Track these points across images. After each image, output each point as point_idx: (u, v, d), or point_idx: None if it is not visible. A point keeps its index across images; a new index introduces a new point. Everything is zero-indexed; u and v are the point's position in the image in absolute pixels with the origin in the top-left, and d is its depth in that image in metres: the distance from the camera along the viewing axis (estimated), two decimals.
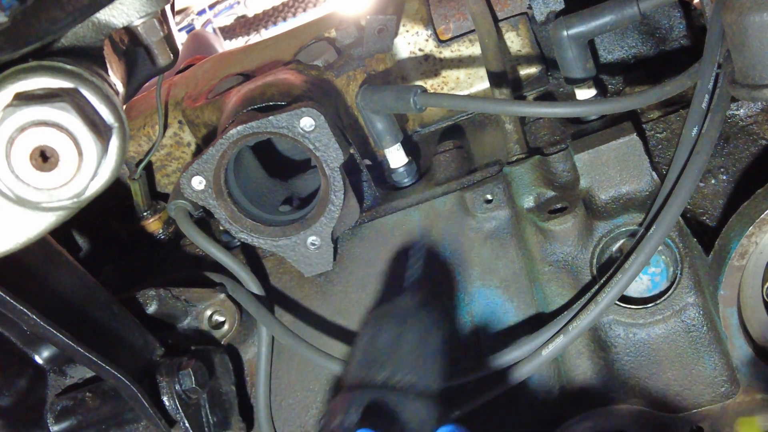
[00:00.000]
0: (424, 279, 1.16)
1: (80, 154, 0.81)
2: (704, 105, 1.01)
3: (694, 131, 1.02)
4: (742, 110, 1.16)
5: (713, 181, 1.16)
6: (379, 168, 1.35)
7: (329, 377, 1.24)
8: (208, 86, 1.37)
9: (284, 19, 4.17)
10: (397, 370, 0.94)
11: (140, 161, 1.38)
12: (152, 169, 1.43)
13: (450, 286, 1.23)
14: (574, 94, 1.23)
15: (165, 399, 1.11)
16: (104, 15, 0.89)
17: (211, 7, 4.49)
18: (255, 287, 1.24)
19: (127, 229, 1.42)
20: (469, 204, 1.21)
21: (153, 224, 1.40)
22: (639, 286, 1.14)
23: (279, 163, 1.37)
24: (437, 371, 0.98)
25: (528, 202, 1.17)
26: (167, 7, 1.05)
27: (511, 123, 1.23)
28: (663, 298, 1.12)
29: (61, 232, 1.12)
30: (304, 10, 4.14)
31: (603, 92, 1.26)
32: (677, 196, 1.01)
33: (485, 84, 1.31)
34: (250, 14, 4.42)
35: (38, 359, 1.13)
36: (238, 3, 4.55)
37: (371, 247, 1.26)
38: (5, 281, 0.93)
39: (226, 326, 1.24)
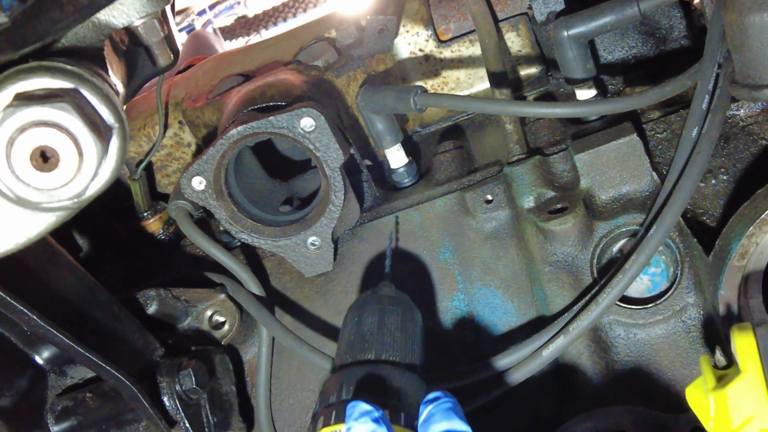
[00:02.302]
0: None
1: (80, 154, 0.81)
2: (704, 105, 1.01)
3: (695, 131, 1.02)
4: (742, 110, 1.16)
5: (713, 182, 1.16)
6: (380, 168, 1.35)
7: None
8: (208, 86, 1.37)
9: (284, 20, 4.17)
10: (384, 349, 0.99)
11: (140, 161, 1.38)
12: (152, 169, 1.43)
13: (450, 286, 1.23)
14: (574, 95, 1.23)
15: (165, 399, 1.11)
16: (104, 15, 0.89)
17: (212, 7, 4.49)
18: (255, 288, 1.24)
19: (128, 229, 1.42)
20: (470, 204, 1.21)
21: (153, 224, 1.40)
22: (639, 287, 1.14)
23: (279, 163, 1.37)
24: (418, 351, 1.03)
25: (528, 202, 1.17)
26: (167, 8, 1.05)
27: (512, 123, 1.23)
28: (663, 299, 1.12)
29: (61, 233, 1.12)
30: (305, 11, 4.15)
31: (603, 92, 1.26)
32: (677, 196, 1.01)
33: (485, 84, 1.31)
34: (251, 14, 4.43)
35: (38, 359, 1.13)
36: (239, 3, 4.55)
37: (371, 247, 1.26)
38: (5, 281, 0.93)
39: (226, 326, 1.24)
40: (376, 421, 0.81)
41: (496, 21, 1.28)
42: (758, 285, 1.05)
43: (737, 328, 0.89)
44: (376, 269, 1.25)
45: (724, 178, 1.15)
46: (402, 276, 1.25)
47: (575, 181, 1.17)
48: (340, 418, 0.87)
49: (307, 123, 1.12)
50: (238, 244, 1.31)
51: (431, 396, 0.87)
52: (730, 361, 0.90)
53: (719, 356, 0.92)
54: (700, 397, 0.90)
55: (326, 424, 0.87)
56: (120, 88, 0.95)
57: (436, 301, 1.23)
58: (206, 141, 1.36)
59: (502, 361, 1.11)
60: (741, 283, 1.02)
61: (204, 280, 1.29)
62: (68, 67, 0.83)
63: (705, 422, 0.90)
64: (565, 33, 1.16)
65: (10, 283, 0.94)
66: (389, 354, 0.99)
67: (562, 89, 1.33)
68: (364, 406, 0.84)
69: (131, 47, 1.00)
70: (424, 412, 0.86)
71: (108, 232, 1.43)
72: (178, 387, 1.12)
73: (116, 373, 1.04)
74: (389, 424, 0.83)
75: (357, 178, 1.27)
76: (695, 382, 0.92)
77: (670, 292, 1.12)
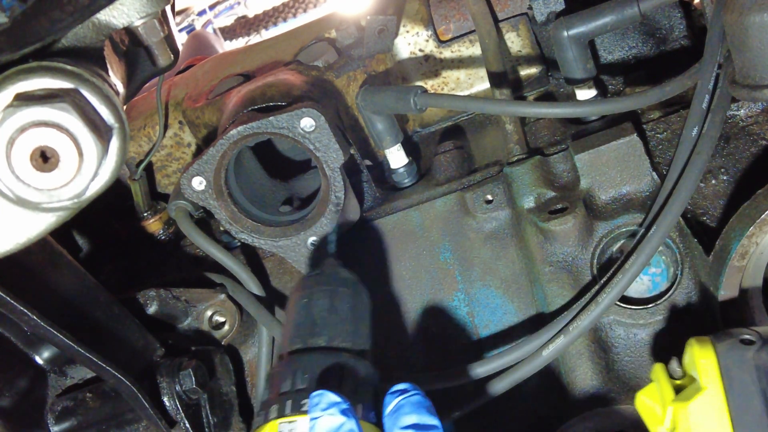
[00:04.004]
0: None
1: (81, 154, 0.81)
2: (705, 105, 1.01)
3: (695, 131, 1.02)
4: (742, 110, 1.16)
5: (714, 182, 1.16)
6: (380, 168, 1.35)
7: None
8: (208, 87, 1.37)
9: (284, 20, 4.17)
10: (336, 334, 0.94)
11: (141, 162, 1.38)
12: (152, 169, 1.43)
13: (450, 286, 1.23)
14: (574, 95, 1.23)
15: (165, 399, 1.11)
16: (104, 16, 0.89)
17: (212, 7, 4.49)
18: (255, 288, 1.24)
19: (128, 229, 1.42)
20: (470, 204, 1.21)
21: (153, 225, 1.40)
22: (639, 287, 1.14)
23: (279, 163, 1.37)
24: (369, 335, 0.98)
25: (528, 202, 1.17)
26: (167, 8, 1.05)
27: (512, 123, 1.23)
28: (663, 299, 1.12)
29: (61, 233, 1.12)
30: (305, 11, 4.15)
31: (603, 93, 1.26)
32: (677, 196, 1.01)
33: (485, 84, 1.31)
34: (251, 15, 4.43)
35: (39, 360, 1.13)
36: (239, 3, 4.55)
37: (372, 247, 1.26)
38: (5, 282, 0.93)
39: (226, 327, 1.24)
40: (344, 413, 0.76)
41: (496, 21, 1.28)
42: (758, 286, 1.05)
43: (696, 340, 0.89)
44: (377, 269, 1.25)
45: (724, 178, 1.15)
46: (402, 276, 1.25)
47: (575, 182, 1.17)
48: (297, 408, 0.81)
49: (307, 123, 1.12)
50: (238, 244, 1.31)
51: (399, 387, 0.83)
52: (685, 373, 0.90)
53: (675, 366, 0.91)
54: (653, 404, 0.90)
55: (281, 414, 0.81)
56: (120, 88, 0.95)
57: (436, 301, 1.23)
58: (206, 141, 1.36)
59: (502, 361, 1.11)
60: (741, 283, 1.02)
61: (204, 280, 1.29)
62: (68, 67, 0.83)
63: (654, 429, 0.90)
64: (565, 33, 1.16)
65: (10, 283, 0.94)
66: (341, 340, 0.93)
67: (562, 89, 1.33)
68: (332, 397, 0.78)
69: (131, 47, 1.00)
70: (392, 403, 0.81)
71: (108, 233, 1.43)
72: (178, 387, 1.12)
73: (116, 373, 1.04)
74: (356, 416, 0.78)
75: (357, 178, 1.27)
76: (648, 388, 0.92)
77: (671, 292, 1.12)
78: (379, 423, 0.83)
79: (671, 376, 0.90)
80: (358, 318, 0.98)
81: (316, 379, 0.85)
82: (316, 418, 0.76)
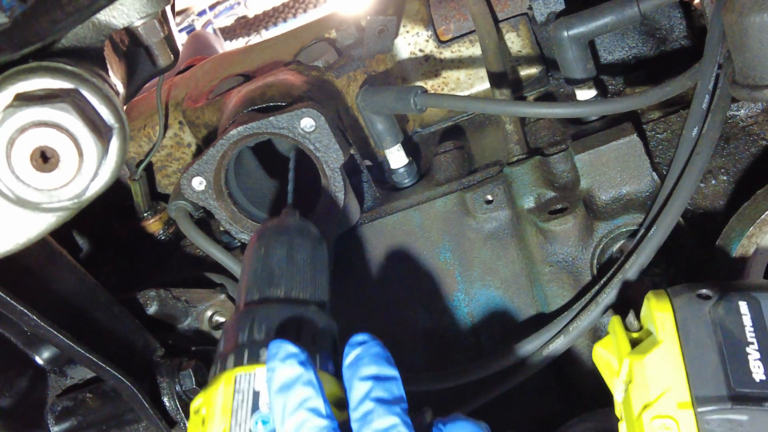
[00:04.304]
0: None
1: (81, 154, 0.81)
2: (704, 105, 1.01)
3: (695, 132, 1.02)
4: (742, 111, 1.16)
5: (713, 182, 1.16)
6: (380, 168, 1.35)
7: None
8: (208, 87, 1.37)
9: (284, 20, 4.17)
10: (294, 285, 0.91)
11: (141, 162, 1.38)
12: (152, 169, 1.43)
13: (450, 286, 1.23)
14: (574, 95, 1.23)
15: (165, 399, 1.11)
16: (104, 16, 0.89)
17: (212, 7, 4.49)
18: None
19: (128, 229, 1.42)
20: (470, 205, 1.21)
21: (153, 225, 1.40)
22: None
23: (279, 163, 1.37)
24: (327, 287, 0.96)
25: (528, 202, 1.17)
26: (167, 8, 1.05)
27: (512, 123, 1.23)
28: None
29: (61, 233, 1.12)
30: (305, 11, 4.15)
31: (603, 93, 1.26)
32: (677, 196, 1.01)
33: (486, 84, 1.31)
34: (251, 15, 4.43)
35: (39, 360, 1.13)
36: (239, 4, 4.55)
37: (371, 247, 1.26)
38: (5, 282, 0.93)
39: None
40: (302, 364, 0.75)
41: (496, 21, 1.28)
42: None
43: (653, 294, 0.88)
44: (377, 270, 1.25)
45: (724, 178, 1.15)
46: (402, 276, 1.25)
47: (575, 182, 1.17)
48: (255, 359, 0.79)
49: (307, 123, 1.12)
50: (238, 244, 1.31)
51: (359, 338, 0.81)
52: (641, 326, 0.90)
53: (632, 319, 0.90)
54: (609, 357, 0.90)
55: (238, 364, 0.79)
56: (120, 88, 0.95)
57: (436, 302, 1.23)
58: (206, 141, 1.36)
59: (502, 361, 1.11)
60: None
61: (204, 280, 1.29)
62: (68, 67, 0.83)
63: (609, 382, 0.90)
64: (565, 33, 1.16)
65: (10, 283, 0.94)
66: (299, 291, 0.91)
67: (562, 89, 1.33)
68: (290, 347, 0.76)
69: (131, 47, 1.00)
70: (351, 354, 0.79)
71: (108, 233, 1.43)
72: (178, 387, 1.12)
73: (116, 374, 1.04)
74: (315, 367, 0.76)
75: (357, 178, 1.27)
76: (604, 340, 0.92)
77: None
78: (338, 374, 0.81)
79: (628, 329, 0.90)
80: (316, 269, 0.95)
81: (274, 329, 0.83)
82: (273, 369, 0.75)
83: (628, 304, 1.02)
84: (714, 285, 0.87)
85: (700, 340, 0.82)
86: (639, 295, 0.94)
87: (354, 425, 0.74)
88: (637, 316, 0.91)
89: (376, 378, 0.76)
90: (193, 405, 0.80)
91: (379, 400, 0.74)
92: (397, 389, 0.77)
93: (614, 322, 0.91)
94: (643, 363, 0.83)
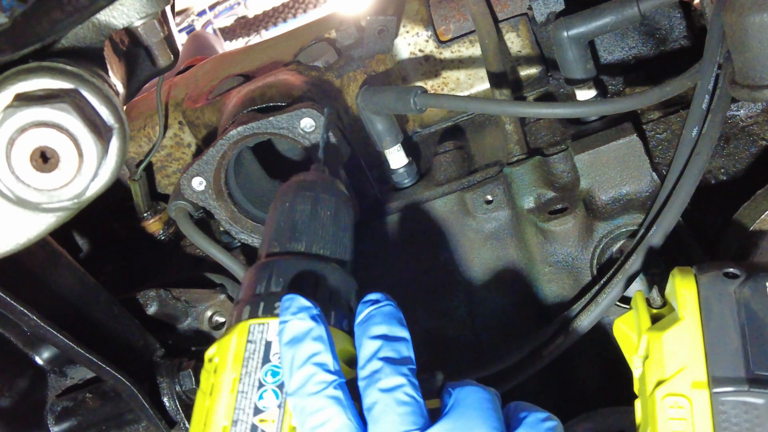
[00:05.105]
0: (333, 155, 1.14)
1: (80, 155, 0.81)
2: (704, 105, 1.01)
3: (695, 132, 1.02)
4: (742, 111, 1.16)
5: (713, 182, 1.16)
6: (380, 168, 1.35)
7: None
8: (208, 87, 1.37)
9: (284, 20, 4.18)
10: (315, 240, 0.91)
11: (140, 162, 1.38)
12: (152, 169, 1.43)
13: (450, 286, 1.23)
14: (574, 95, 1.23)
15: (165, 400, 1.11)
16: (104, 16, 0.89)
17: (212, 8, 4.50)
18: None
19: (128, 230, 1.42)
20: (470, 205, 1.21)
21: (153, 225, 1.40)
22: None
23: (279, 163, 1.37)
24: (350, 246, 0.96)
25: (528, 202, 1.17)
26: (167, 8, 1.05)
27: (512, 124, 1.23)
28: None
29: (61, 233, 1.12)
30: (305, 11, 4.15)
31: (603, 93, 1.26)
32: (677, 196, 1.01)
33: (485, 85, 1.31)
34: (251, 15, 4.43)
35: (38, 360, 1.13)
36: (239, 4, 4.55)
37: (371, 247, 1.26)
38: (5, 282, 0.93)
39: (226, 327, 1.24)
40: (314, 318, 0.75)
41: (496, 21, 1.28)
42: None
43: (679, 270, 0.86)
44: (377, 270, 1.25)
45: (724, 178, 1.15)
46: (402, 276, 1.25)
47: (575, 182, 1.17)
48: (269, 311, 0.80)
49: (307, 123, 1.12)
50: (238, 244, 1.31)
51: (372, 297, 0.81)
52: (665, 302, 0.89)
53: (655, 295, 0.89)
54: (629, 332, 0.89)
55: (253, 315, 0.80)
56: (120, 88, 0.95)
57: (436, 302, 1.23)
58: (206, 141, 1.36)
59: (502, 361, 1.11)
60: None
61: (204, 280, 1.29)
62: (68, 67, 0.83)
63: (628, 357, 0.88)
64: (565, 33, 1.16)
65: (10, 283, 0.94)
66: (320, 247, 0.90)
67: (562, 90, 1.33)
68: (302, 301, 0.76)
69: (131, 48, 1.00)
70: (363, 312, 0.79)
71: (108, 233, 1.43)
72: (178, 387, 1.12)
73: (116, 374, 1.04)
74: (326, 323, 0.76)
75: (357, 178, 1.27)
76: (625, 316, 0.90)
77: None
78: (351, 331, 0.81)
79: (650, 305, 0.89)
80: (339, 227, 0.94)
81: (290, 282, 0.84)
82: (285, 322, 0.75)
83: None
84: (742, 265, 0.84)
85: (722, 319, 0.80)
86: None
87: (361, 383, 0.74)
88: (661, 292, 0.89)
89: (386, 338, 0.76)
90: (208, 353, 0.81)
91: (387, 360, 0.74)
92: (407, 350, 0.76)
93: (637, 297, 0.90)
94: (662, 339, 0.81)
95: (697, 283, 0.84)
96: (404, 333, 0.79)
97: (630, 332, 0.89)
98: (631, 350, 0.88)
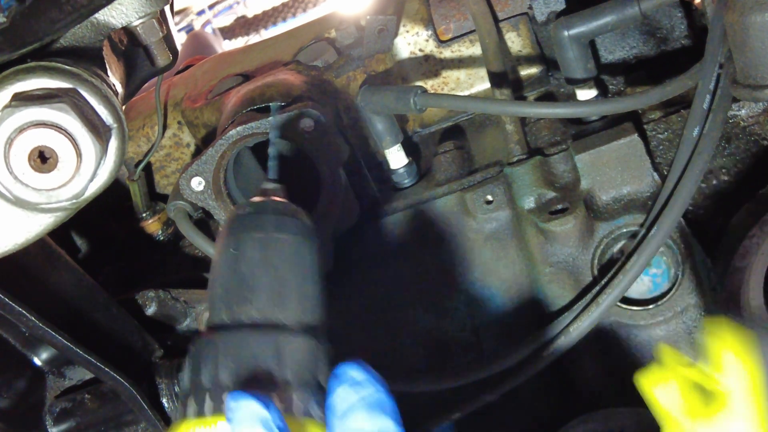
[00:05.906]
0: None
1: (79, 155, 0.81)
2: (706, 105, 1.00)
3: (696, 131, 1.02)
4: (743, 111, 1.16)
5: (714, 182, 1.16)
6: (380, 168, 1.34)
7: None
8: (207, 87, 1.37)
9: (284, 20, 4.18)
10: (271, 300, 0.74)
11: (139, 162, 1.38)
12: (151, 170, 1.42)
13: (450, 286, 1.23)
14: (575, 95, 1.23)
15: (164, 400, 1.11)
16: (103, 15, 0.89)
17: (211, 7, 4.50)
18: None
19: (126, 230, 1.41)
20: (470, 205, 1.21)
21: (152, 225, 1.40)
22: (640, 287, 1.14)
23: (279, 163, 1.36)
24: (317, 298, 0.77)
25: (529, 203, 1.17)
26: (166, 8, 1.05)
27: (512, 123, 1.23)
28: (664, 300, 1.12)
29: (60, 234, 1.11)
30: (304, 11, 4.15)
31: (604, 93, 1.26)
32: (678, 196, 1.01)
33: (486, 84, 1.31)
34: (250, 14, 4.43)
35: (37, 361, 1.13)
36: (238, 3, 4.55)
37: (371, 247, 1.26)
38: (4, 283, 0.93)
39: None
40: (266, 425, 0.63)
41: (496, 21, 1.28)
42: (759, 287, 1.05)
43: (729, 331, 0.69)
44: (376, 270, 1.25)
45: (725, 178, 1.15)
46: (402, 276, 1.25)
47: (576, 182, 1.16)
48: (218, 406, 0.69)
49: (306, 123, 1.12)
50: None
51: (350, 373, 0.68)
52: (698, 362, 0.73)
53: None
54: (665, 399, 0.74)
55: (200, 413, 0.69)
56: (119, 88, 0.95)
57: (436, 302, 1.23)
58: (205, 141, 1.35)
59: (502, 362, 1.11)
60: (742, 284, 1.02)
61: (203, 280, 1.28)
62: (67, 67, 0.83)
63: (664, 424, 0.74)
64: (566, 33, 1.16)
65: (8, 284, 0.94)
66: (278, 310, 0.74)
67: (562, 89, 1.32)
68: (252, 405, 0.64)
69: (130, 47, 1.00)
70: (339, 396, 0.67)
71: (107, 233, 1.43)
72: (176, 388, 1.11)
73: (115, 375, 1.03)
74: (284, 422, 0.65)
75: (357, 178, 1.27)
76: (653, 373, 0.75)
77: (671, 293, 1.12)
78: (322, 413, 0.69)
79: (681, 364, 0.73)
80: (302, 276, 0.76)
81: (241, 368, 0.70)
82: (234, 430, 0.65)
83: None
84: None
85: None
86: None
87: None
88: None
89: None
90: None
91: None
92: None
93: (667, 354, 0.74)
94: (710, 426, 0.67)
95: (758, 352, 0.67)
96: (395, 428, 0.65)
97: (667, 399, 0.73)
98: (669, 421, 0.73)
